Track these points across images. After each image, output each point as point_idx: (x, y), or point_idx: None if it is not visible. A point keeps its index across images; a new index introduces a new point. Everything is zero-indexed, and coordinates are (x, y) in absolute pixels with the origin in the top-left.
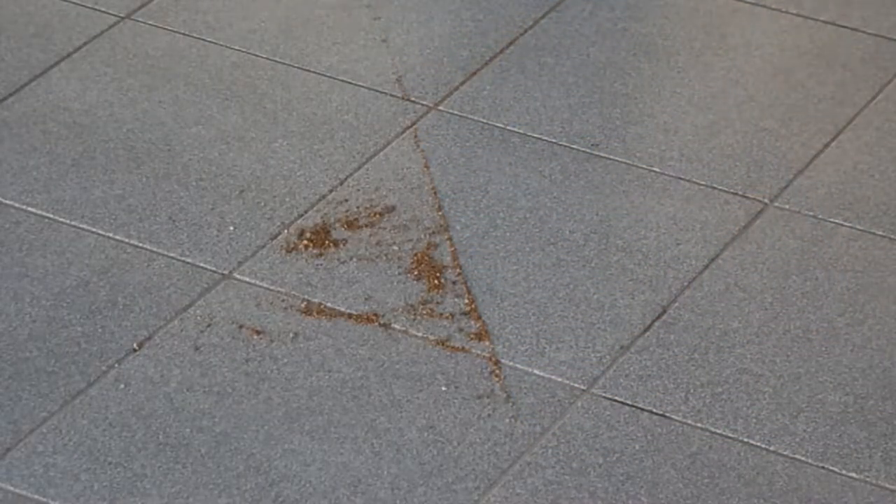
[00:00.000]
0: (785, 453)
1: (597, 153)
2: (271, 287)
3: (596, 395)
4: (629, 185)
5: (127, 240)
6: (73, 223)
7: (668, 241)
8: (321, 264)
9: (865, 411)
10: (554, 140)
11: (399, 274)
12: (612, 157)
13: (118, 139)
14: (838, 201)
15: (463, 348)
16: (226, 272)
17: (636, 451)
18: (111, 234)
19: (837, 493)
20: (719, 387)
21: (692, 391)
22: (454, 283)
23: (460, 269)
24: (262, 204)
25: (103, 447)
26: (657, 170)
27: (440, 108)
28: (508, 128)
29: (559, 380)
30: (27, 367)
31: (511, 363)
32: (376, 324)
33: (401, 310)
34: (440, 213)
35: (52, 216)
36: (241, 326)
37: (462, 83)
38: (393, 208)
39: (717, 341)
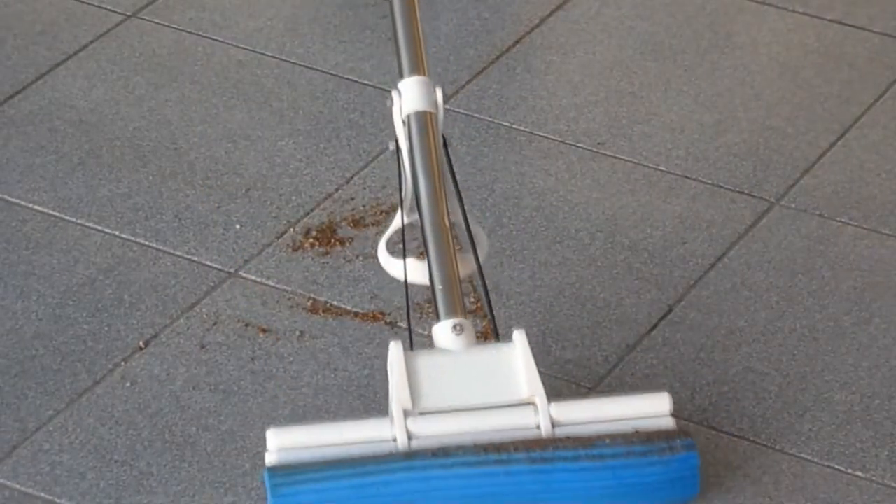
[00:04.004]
0: (791, 452)
1: (603, 152)
2: (277, 285)
3: (601, 393)
4: (635, 184)
5: (133, 238)
6: (79, 221)
7: (675, 239)
8: (327, 263)
9: (871, 410)
10: (560, 139)
11: None
12: (618, 155)
13: (124, 137)
14: (845, 200)
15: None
16: (232, 270)
17: None
18: (117, 233)
19: (843, 492)
20: (725, 385)
21: (698, 390)
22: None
23: None
24: (269, 202)
25: (109, 445)
26: (663, 168)
27: (446, 106)
28: (514, 126)
29: (565, 379)
30: (33, 365)
31: None
32: (382, 322)
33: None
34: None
35: (58, 214)
36: (247, 325)
37: (468, 82)
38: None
39: (723, 340)
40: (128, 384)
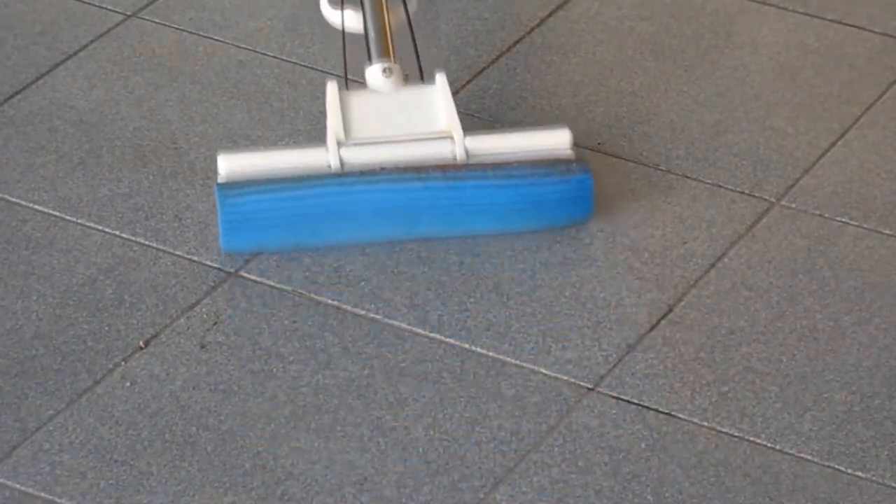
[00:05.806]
0: (791, 452)
1: (603, 151)
2: (277, 285)
3: (602, 393)
4: (635, 184)
5: (133, 238)
6: (79, 221)
7: (675, 239)
8: (327, 262)
9: (872, 410)
10: None
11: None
12: (618, 155)
13: (124, 137)
14: (845, 200)
15: (469, 346)
16: (232, 270)
17: (642, 449)
18: (118, 233)
19: (843, 492)
20: (725, 385)
21: (698, 390)
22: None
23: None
24: None
25: (109, 445)
26: (663, 168)
27: None
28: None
29: (565, 378)
30: (33, 365)
31: (517, 362)
32: (382, 321)
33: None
34: None
35: (58, 214)
36: (247, 324)
37: (468, 81)
38: None
39: (724, 340)
40: (128, 384)
